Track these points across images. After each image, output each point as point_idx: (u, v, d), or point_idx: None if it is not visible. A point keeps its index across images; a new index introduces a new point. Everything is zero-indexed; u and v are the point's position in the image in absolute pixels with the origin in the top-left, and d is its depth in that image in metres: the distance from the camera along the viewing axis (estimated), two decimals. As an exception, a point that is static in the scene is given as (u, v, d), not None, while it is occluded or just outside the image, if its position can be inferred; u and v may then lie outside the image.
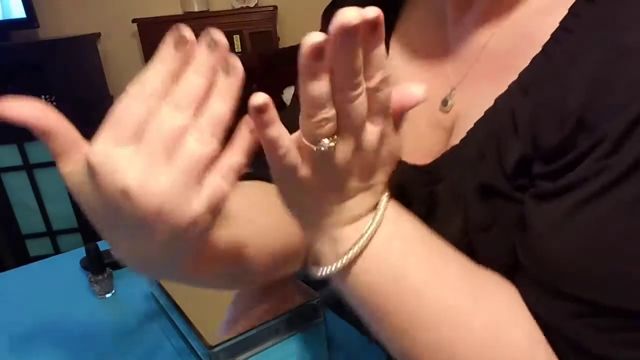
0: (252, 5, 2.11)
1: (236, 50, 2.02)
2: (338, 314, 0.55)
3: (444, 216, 0.41)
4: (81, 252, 0.70)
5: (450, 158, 0.41)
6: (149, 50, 2.02)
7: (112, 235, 0.31)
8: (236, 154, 0.29)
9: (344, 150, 0.31)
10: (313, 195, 0.33)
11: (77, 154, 0.28)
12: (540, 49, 0.37)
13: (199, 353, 0.46)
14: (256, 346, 0.45)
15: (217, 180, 0.28)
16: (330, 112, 0.29)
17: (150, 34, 1.99)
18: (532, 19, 0.39)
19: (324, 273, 0.36)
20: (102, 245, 0.72)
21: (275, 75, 1.73)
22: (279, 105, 1.81)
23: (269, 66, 1.76)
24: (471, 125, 0.40)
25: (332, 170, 0.32)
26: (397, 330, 0.36)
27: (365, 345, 0.51)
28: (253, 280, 0.46)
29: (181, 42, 0.26)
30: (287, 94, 1.88)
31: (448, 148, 0.42)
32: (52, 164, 1.88)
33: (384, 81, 0.29)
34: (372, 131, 0.31)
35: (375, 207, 0.35)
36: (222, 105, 0.27)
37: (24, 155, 1.89)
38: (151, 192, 0.26)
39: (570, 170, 0.33)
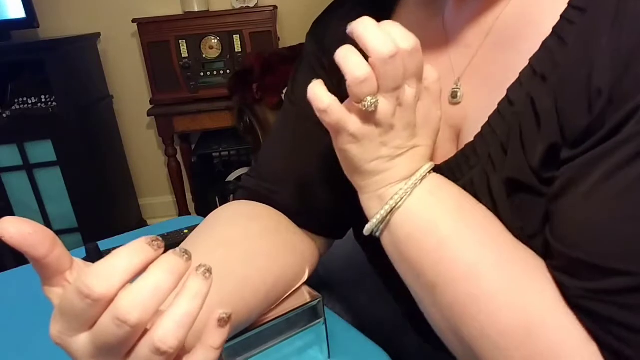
0: (252, 5, 2.11)
1: (236, 50, 2.02)
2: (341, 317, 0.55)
3: None
4: (81, 252, 0.70)
5: (467, 156, 0.40)
6: (149, 50, 2.01)
7: None
8: (205, 351, 0.28)
9: (386, 108, 0.34)
10: (366, 153, 0.36)
11: (62, 281, 0.28)
12: (549, 31, 0.35)
13: (199, 353, 0.46)
14: (256, 346, 0.45)
15: None
16: (366, 70, 0.33)
17: (150, 34, 1.99)
18: (536, 1, 0.38)
19: (368, 228, 0.39)
20: (103, 245, 0.72)
21: (275, 75, 1.73)
22: (280, 104, 1.81)
23: (269, 66, 1.76)
24: (483, 119, 0.39)
25: (379, 126, 0.35)
26: (429, 286, 0.36)
27: (365, 345, 0.51)
28: (264, 311, 0.46)
29: (158, 245, 0.25)
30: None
31: (460, 144, 0.42)
32: (52, 164, 1.89)
33: (416, 47, 0.34)
34: (409, 91, 0.35)
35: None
36: (190, 303, 0.25)
37: (24, 155, 1.88)
38: None
39: (598, 146, 0.32)
